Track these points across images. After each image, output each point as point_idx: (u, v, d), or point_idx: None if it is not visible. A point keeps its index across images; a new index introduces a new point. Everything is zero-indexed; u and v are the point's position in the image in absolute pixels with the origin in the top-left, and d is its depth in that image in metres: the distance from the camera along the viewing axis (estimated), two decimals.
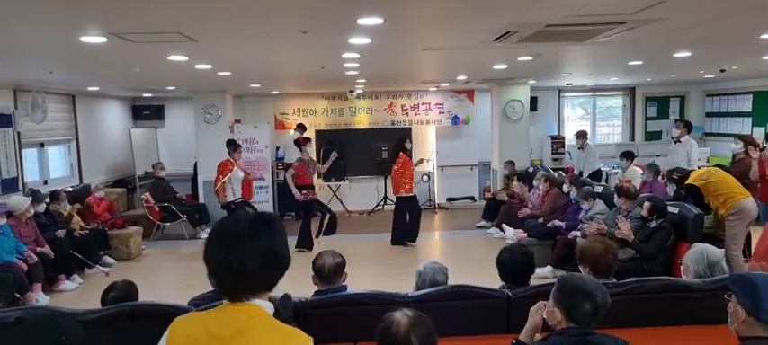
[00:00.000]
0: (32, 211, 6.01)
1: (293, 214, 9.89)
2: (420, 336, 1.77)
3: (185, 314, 1.50)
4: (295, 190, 7.34)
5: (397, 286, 3.31)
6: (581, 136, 8.95)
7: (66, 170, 8.50)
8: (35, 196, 6.34)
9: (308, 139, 7.63)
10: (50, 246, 6.02)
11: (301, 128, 9.81)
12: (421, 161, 8.79)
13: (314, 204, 7.56)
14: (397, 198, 7.71)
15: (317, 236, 7.47)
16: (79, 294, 6.03)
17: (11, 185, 6.82)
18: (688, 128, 7.61)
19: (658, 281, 3.18)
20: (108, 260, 7.06)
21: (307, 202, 7.44)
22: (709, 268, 3.24)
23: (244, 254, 1.39)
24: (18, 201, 5.96)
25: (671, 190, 6.00)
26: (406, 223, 7.64)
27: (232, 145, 7.75)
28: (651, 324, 2.81)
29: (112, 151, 9.69)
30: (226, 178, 7.51)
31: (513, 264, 3.17)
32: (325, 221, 7.54)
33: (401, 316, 1.82)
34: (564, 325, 2.07)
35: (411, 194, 7.57)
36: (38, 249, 5.84)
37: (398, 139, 7.86)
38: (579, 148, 8.97)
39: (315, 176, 7.79)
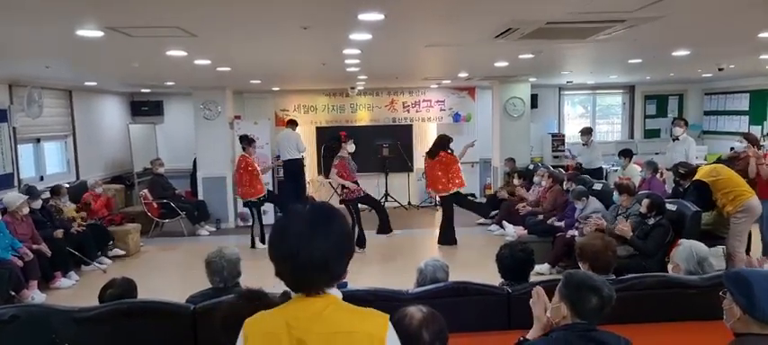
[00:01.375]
0: (27, 209, 5.95)
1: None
2: (431, 332, 1.79)
3: (257, 313, 1.50)
4: (341, 185, 7.00)
5: (398, 282, 3.30)
6: (586, 132, 8.97)
7: (63, 166, 8.47)
8: (31, 192, 6.31)
9: (350, 137, 7.26)
10: (47, 244, 5.97)
11: (293, 123, 9.75)
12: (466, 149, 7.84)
13: (357, 202, 7.10)
14: (440, 198, 7.58)
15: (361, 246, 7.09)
16: (76, 291, 6.00)
17: (6, 181, 6.79)
18: (685, 124, 7.66)
19: (656, 278, 3.19)
20: (117, 252, 7.12)
21: (350, 200, 7.04)
22: (700, 264, 3.27)
23: (324, 248, 1.42)
24: (12, 198, 5.91)
25: (669, 187, 6.01)
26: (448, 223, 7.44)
27: (246, 141, 7.70)
28: (648, 320, 2.81)
29: (110, 147, 9.65)
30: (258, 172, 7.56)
31: (513, 261, 3.18)
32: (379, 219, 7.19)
33: (415, 311, 1.84)
34: (569, 321, 2.06)
35: (446, 192, 7.36)
36: (34, 246, 5.81)
37: (440, 137, 7.56)
38: (584, 145, 8.98)
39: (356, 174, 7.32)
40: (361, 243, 7.11)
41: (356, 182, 7.14)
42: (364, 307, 1.48)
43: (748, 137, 5.87)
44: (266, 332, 1.44)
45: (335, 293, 1.47)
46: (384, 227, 7.39)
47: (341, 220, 1.50)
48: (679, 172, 5.85)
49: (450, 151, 7.38)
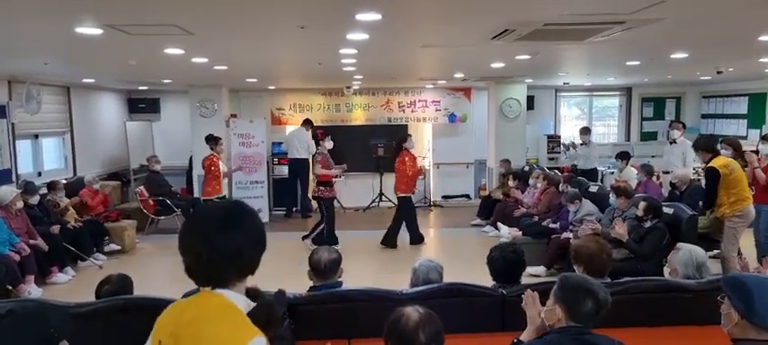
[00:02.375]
0: (20, 203, 5.91)
1: (284, 210, 9.91)
2: (427, 333, 1.79)
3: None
4: (332, 171, 7.16)
5: (392, 282, 3.30)
6: (585, 132, 8.97)
7: (61, 162, 8.45)
8: (28, 188, 6.30)
9: (327, 133, 7.44)
10: (44, 239, 5.96)
11: (308, 123, 9.74)
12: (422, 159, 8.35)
13: (324, 203, 7.19)
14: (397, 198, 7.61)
15: (304, 238, 7.27)
16: (72, 286, 5.99)
17: (4, 177, 6.78)
18: (683, 127, 7.65)
19: (653, 281, 3.19)
20: (113, 246, 7.15)
21: (324, 199, 7.15)
22: (698, 269, 3.27)
23: (238, 237, 1.41)
24: (4, 191, 5.87)
25: (666, 190, 6.00)
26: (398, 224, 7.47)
27: (213, 140, 7.91)
28: (645, 325, 2.81)
29: (107, 144, 9.63)
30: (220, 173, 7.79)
31: (504, 263, 3.18)
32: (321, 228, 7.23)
33: (412, 311, 1.85)
34: (563, 324, 2.05)
35: (405, 195, 7.38)
36: (31, 241, 5.79)
37: (400, 138, 7.67)
38: (582, 144, 8.98)
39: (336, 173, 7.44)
40: (334, 241, 7.05)
41: (331, 184, 7.28)
42: (244, 319, 1.38)
43: (731, 144, 5.75)
44: (160, 324, 1.49)
45: (230, 296, 1.42)
46: (321, 237, 7.19)
47: (253, 215, 1.49)
48: (699, 145, 5.45)
49: (409, 149, 7.40)
